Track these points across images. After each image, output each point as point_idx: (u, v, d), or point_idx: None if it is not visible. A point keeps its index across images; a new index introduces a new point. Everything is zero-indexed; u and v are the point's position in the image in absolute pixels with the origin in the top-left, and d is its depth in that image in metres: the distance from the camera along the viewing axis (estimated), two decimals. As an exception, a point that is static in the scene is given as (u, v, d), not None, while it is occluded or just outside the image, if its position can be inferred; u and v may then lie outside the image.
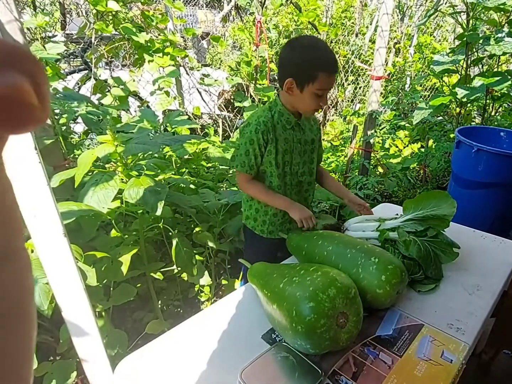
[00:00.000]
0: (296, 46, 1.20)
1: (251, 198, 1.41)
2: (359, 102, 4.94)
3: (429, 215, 1.21)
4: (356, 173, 2.96)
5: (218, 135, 3.33)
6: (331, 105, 4.98)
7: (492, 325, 1.43)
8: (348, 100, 5.07)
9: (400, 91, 4.77)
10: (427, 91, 5.23)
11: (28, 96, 0.16)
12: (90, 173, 1.37)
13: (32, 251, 0.97)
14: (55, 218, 0.76)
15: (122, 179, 1.38)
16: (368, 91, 4.28)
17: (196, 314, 1.04)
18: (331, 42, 4.70)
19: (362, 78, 4.93)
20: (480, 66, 3.51)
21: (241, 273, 1.85)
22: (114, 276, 1.21)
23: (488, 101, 3.21)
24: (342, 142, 3.99)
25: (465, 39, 2.94)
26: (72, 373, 1.22)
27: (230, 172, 2.26)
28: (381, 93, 2.85)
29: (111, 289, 1.34)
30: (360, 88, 4.98)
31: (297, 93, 1.21)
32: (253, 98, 3.00)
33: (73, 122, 1.84)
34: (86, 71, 2.71)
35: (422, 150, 3.54)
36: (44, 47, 1.72)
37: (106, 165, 1.61)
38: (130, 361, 0.92)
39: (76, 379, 1.31)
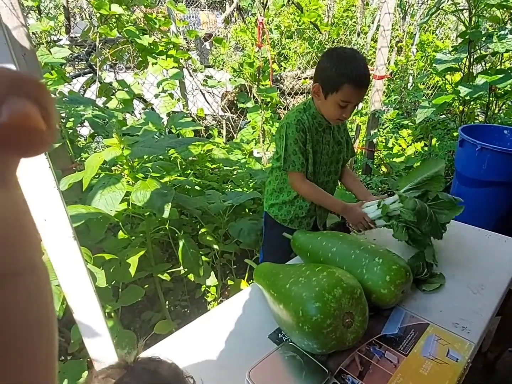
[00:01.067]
0: (333, 55, 1.23)
1: (279, 189, 1.46)
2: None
3: (422, 179, 1.25)
4: (360, 173, 2.97)
5: (222, 136, 3.34)
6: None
7: (497, 323, 1.43)
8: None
9: (403, 90, 4.77)
10: (430, 90, 5.22)
11: (36, 122, 0.17)
12: (97, 176, 1.39)
13: (43, 254, 0.99)
14: (65, 221, 0.78)
15: (128, 182, 1.40)
16: (370, 90, 4.28)
17: (203, 314, 1.05)
18: (333, 41, 4.71)
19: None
20: (483, 63, 3.50)
21: (247, 273, 1.87)
22: (122, 277, 1.23)
23: (491, 99, 3.20)
24: (345, 142, 3.99)
25: (467, 36, 2.93)
26: (83, 373, 1.25)
27: (235, 173, 2.28)
28: (384, 92, 2.85)
29: (120, 290, 1.36)
30: (362, 87, 4.97)
31: (322, 99, 1.26)
32: (256, 99, 3.01)
33: (79, 125, 1.86)
34: (91, 74, 2.73)
35: (426, 149, 3.53)
36: (50, 51, 1.74)
37: (113, 168, 1.63)
38: (139, 360, 0.95)
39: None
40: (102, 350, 0.91)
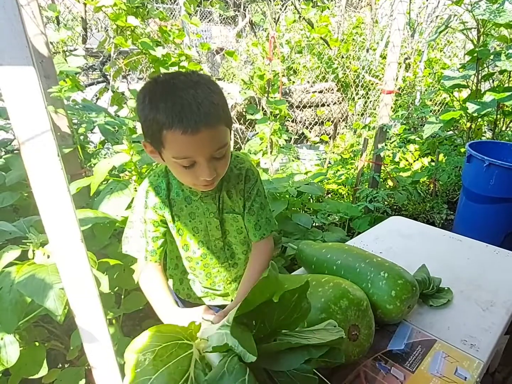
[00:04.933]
0: (145, 86, 0.82)
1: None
2: (369, 116, 4.96)
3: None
4: (366, 186, 2.96)
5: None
6: (341, 118, 5.01)
7: (505, 343, 1.40)
8: (358, 114, 5.10)
9: (411, 105, 4.78)
10: (437, 106, 5.24)
11: None
12: (105, 182, 1.40)
13: (49, 257, 1.00)
14: (74, 223, 0.78)
15: (136, 188, 1.41)
16: (378, 105, 4.29)
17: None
18: (342, 57, 4.76)
19: (373, 92, 4.96)
20: (491, 81, 3.51)
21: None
22: (125, 284, 1.23)
23: (499, 116, 3.20)
24: (352, 155, 4.00)
25: (475, 54, 2.95)
26: (80, 381, 1.23)
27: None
28: (391, 107, 2.86)
29: (122, 297, 1.36)
30: (370, 102, 5.01)
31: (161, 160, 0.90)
32: (265, 111, 3.04)
33: (90, 132, 1.89)
34: (104, 84, 2.78)
35: (433, 164, 3.52)
36: (66, 59, 1.79)
37: (121, 175, 1.64)
38: (141, 368, 0.94)
39: (84, 387, 1.32)
40: (102, 357, 0.90)
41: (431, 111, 4.38)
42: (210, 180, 0.84)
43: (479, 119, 3.42)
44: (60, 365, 1.55)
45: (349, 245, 1.29)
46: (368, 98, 4.99)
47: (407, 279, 1.03)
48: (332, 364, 0.78)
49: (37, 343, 1.18)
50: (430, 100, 5.10)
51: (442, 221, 3.08)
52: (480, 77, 3.15)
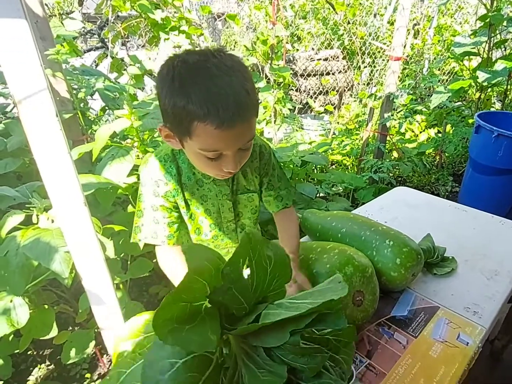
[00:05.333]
0: (171, 71, 0.70)
1: None
2: (375, 86, 4.84)
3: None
4: (371, 157, 2.93)
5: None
6: (346, 87, 4.89)
7: (507, 312, 1.42)
8: (364, 83, 4.97)
9: (419, 73, 4.65)
10: (446, 76, 5.09)
11: None
12: (107, 149, 1.38)
13: (53, 221, 0.99)
14: (76, 186, 0.77)
15: (138, 156, 1.39)
16: (385, 74, 4.18)
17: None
18: (349, 22, 4.58)
19: (379, 61, 4.81)
20: (503, 49, 3.38)
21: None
22: (131, 250, 1.23)
23: (509, 86, 3.11)
24: (357, 126, 3.93)
25: (488, 20, 2.83)
26: (90, 343, 1.26)
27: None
28: (398, 76, 2.78)
29: (128, 263, 1.37)
30: (376, 71, 4.87)
31: (179, 146, 0.84)
32: (268, 79, 2.96)
33: (90, 98, 1.85)
34: (102, 50, 2.70)
35: (439, 135, 3.47)
36: (62, 23, 1.71)
37: (123, 142, 1.61)
38: (148, 331, 0.96)
39: (94, 348, 1.35)
40: (110, 318, 0.92)
41: (439, 80, 4.26)
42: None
43: (489, 89, 3.32)
44: (70, 328, 1.59)
45: (354, 214, 1.28)
46: (375, 67, 4.85)
47: (412, 247, 1.03)
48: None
49: (46, 306, 1.20)
50: (439, 69, 4.95)
51: (447, 193, 3.06)
52: (492, 44, 3.03)
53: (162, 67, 0.72)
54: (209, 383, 0.45)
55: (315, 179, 2.59)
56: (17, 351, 1.19)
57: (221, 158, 0.76)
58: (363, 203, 1.66)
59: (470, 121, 3.50)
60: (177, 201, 0.92)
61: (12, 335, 1.13)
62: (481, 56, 3.09)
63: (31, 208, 1.03)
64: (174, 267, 0.91)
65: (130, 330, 0.60)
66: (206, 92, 0.67)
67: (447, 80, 4.92)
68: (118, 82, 2.08)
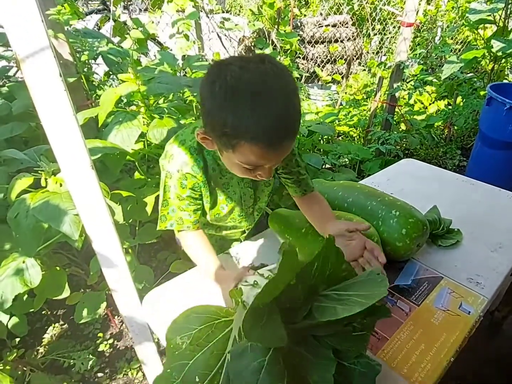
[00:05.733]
0: (219, 83, 0.67)
1: None
2: (384, 55, 4.69)
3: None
4: (379, 128, 2.88)
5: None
6: (355, 56, 4.74)
7: (508, 284, 1.44)
8: (374, 52, 4.81)
9: (431, 42, 4.49)
10: (459, 45, 4.91)
11: None
12: (113, 115, 1.36)
13: (61, 185, 0.99)
14: (83, 150, 0.76)
15: (144, 122, 1.37)
16: (395, 42, 4.03)
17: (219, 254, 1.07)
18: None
19: (390, 28, 4.63)
20: (521, 17, 3.24)
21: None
22: (139, 215, 1.24)
23: (525, 56, 3.00)
24: (365, 97, 3.84)
25: (508, -16, 2.69)
26: (102, 304, 1.31)
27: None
28: (409, 45, 2.68)
29: (137, 228, 1.39)
30: (387, 39, 4.70)
31: (216, 150, 0.87)
32: (275, 45, 2.87)
33: (94, 62, 1.80)
34: (104, 12, 2.60)
35: (449, 107, 3.39)
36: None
37: (128, 109, 1.59)
38: (156, 292, 1.00)
39: (105, 310, 1.40)
40: (121, 281, 0.94)
41: (451, 50, 4.11)
42: None
43: (503, 60, 3.21)
44: (82, 290, 1.64)
45: (361, 184, 1.27)
46: (385, 34, 4.67)
47: (418, 217, 1.03)
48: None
49: (58, 268, 1.23)
50: (452, 38, 4.77)
51: (454, 167, 3.03)
52: (509, 11, 2.90)
53: (212, 75, 0.70)
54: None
55: (321, 150, 2.56)
56: (32, 310, 1.23)
57: (259, 168, 0.77)
58: (369, 175, 1.65)
59: (482, 93, 3.41)
60: (203, 191, 0.94)
61: (26, 295, 1.17)
62: (497, 24, 2.96)
63: (39, 172, 1.03)
64: (200, 249, 0.96)
65: (179, 325, 0.64)
66: (260, 115, 0.65)
67: (459, 50, 4.75)
68: (121, 47, 2.03)
